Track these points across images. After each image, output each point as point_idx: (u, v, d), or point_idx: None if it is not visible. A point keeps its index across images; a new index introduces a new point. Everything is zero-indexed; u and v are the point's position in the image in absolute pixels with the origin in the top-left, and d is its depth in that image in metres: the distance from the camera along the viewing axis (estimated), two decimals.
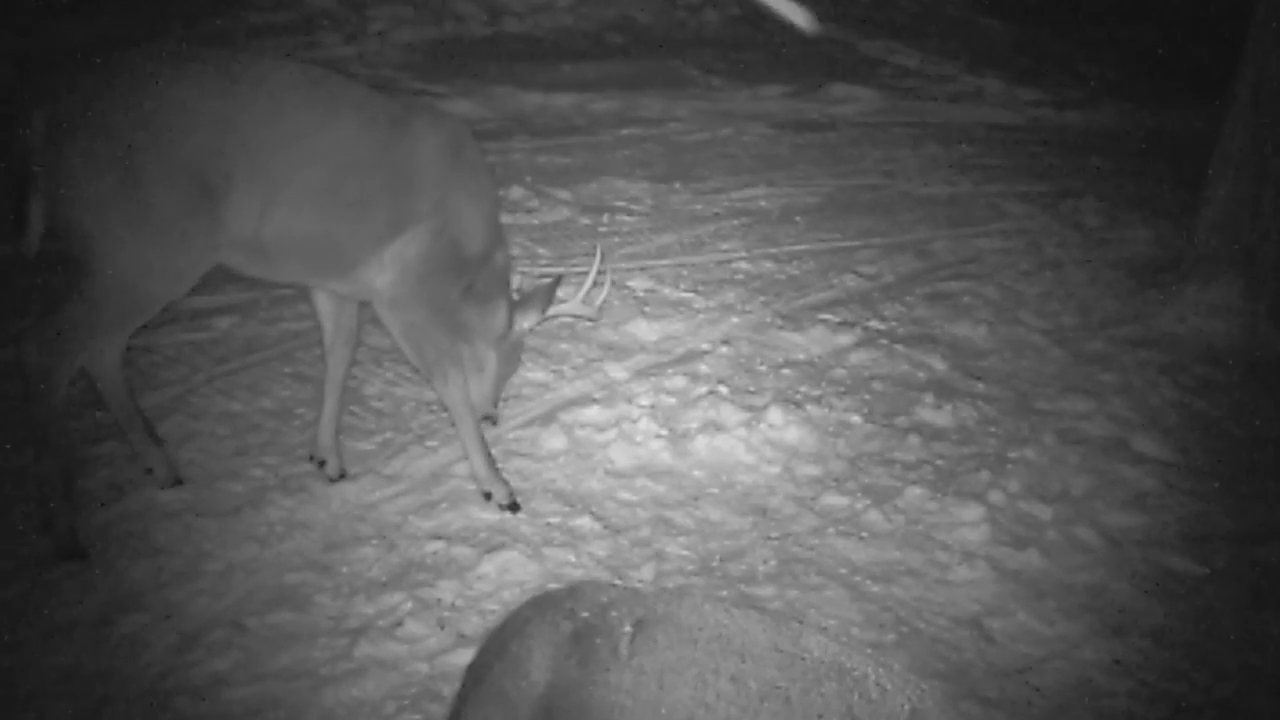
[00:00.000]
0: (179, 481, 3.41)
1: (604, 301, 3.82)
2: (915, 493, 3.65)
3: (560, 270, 3.87)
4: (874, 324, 4.84)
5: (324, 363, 3.56)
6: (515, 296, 3.65)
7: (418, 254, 3.26)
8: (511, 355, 3.70)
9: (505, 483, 3.47)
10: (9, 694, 2.66)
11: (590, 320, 4.01)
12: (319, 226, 3.11)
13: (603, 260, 3.71)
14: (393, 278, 3.25)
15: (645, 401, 4.08)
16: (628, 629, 1.80)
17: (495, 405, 3.71)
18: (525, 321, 3.63)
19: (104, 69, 2.92)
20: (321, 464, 3.54)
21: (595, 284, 3.71)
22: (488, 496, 3.46)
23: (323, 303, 3.50)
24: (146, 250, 2.90)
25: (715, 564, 3.28)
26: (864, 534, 3.45)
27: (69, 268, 2.97)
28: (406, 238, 3.23)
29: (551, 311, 3.68)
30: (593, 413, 3.99)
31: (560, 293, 3.69)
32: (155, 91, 2.87)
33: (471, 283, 3.45)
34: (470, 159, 3.38)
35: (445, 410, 3.60)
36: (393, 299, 3.28)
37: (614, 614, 1.83)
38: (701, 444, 3.83)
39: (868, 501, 3.60)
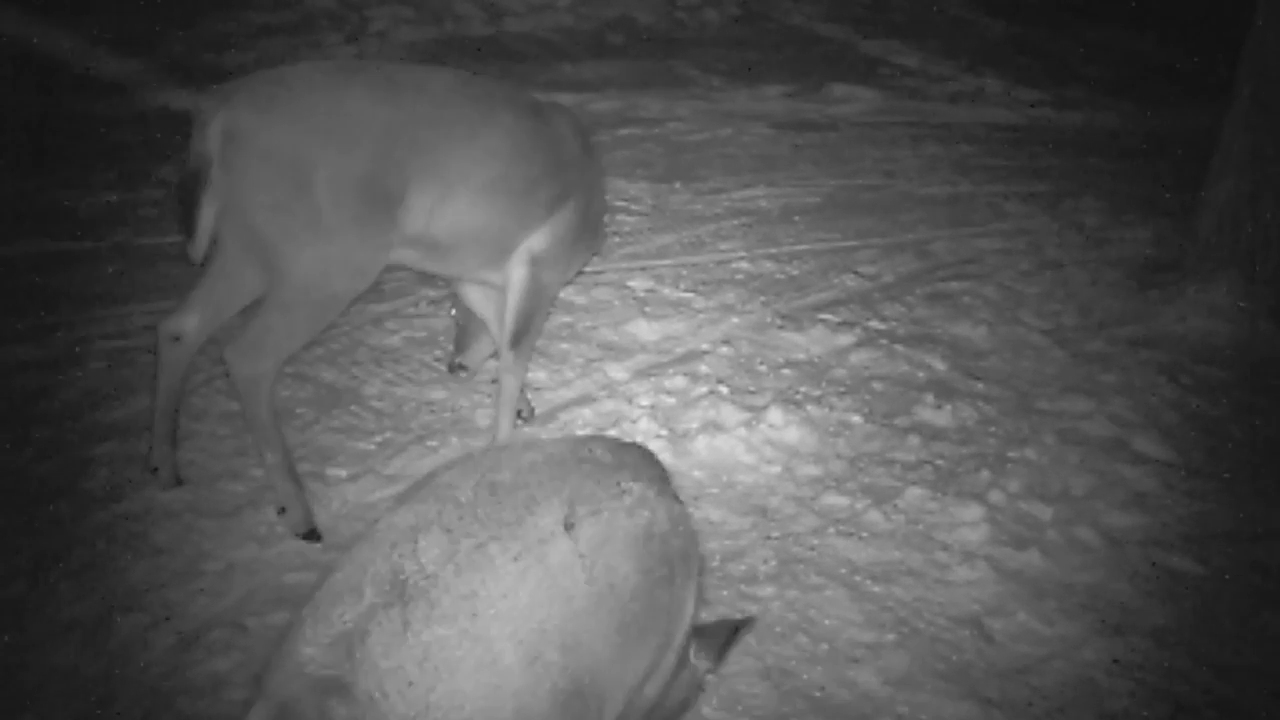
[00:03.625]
0: (179, 482, 3.42)
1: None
2: (915, 493, 3.65)
3: None
4: (874, 324, 4.84)
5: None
6: None
7: (570, 224, 3.49)
8: None
9: None
10: (9, 694, 2.66)
11: None
12: (492, 217, 3.31)
13: None
14: (548, 242, 3.46)
15: (645, 401, 4.08)
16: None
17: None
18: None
19: (277, 81, 3.03)
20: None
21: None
22: None
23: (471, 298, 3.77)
24: (326, 251, 3.01)
25: (715, 564, 3.28)
26: (864, 534, 3.45)
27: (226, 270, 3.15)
28: (559, 214, 3.45)
29: None
30: (593, 413, 3.99)
31: None
32: (325, 102, 2.98)
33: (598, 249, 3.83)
34: (589, 140, 3.64)
35: (495, 382, 3.81)
36: (540, 255, 3.46)
37: None
38: (701, 444, 3.84)
39: (868, 501, 3.60)
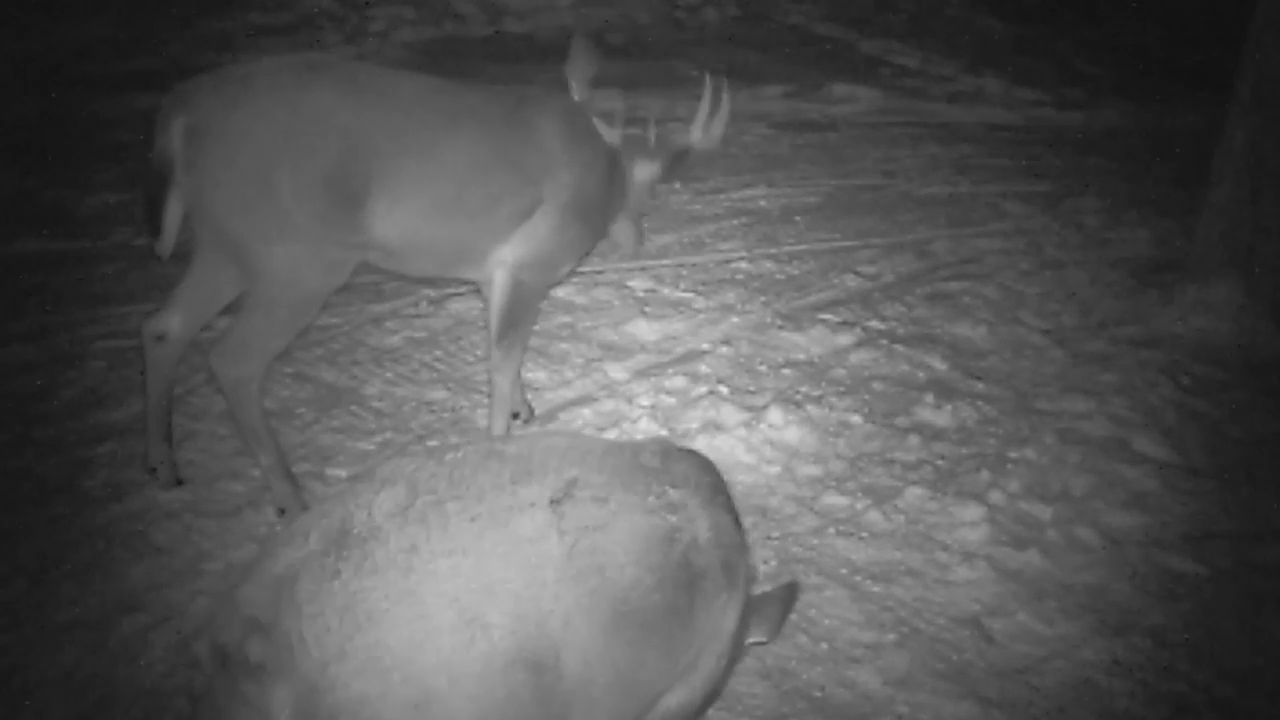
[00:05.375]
0: (179, 482, 3.42)
1: (724, 132, 3.83)
2: (915, 493, 3.65)
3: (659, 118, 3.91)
4: (874, 324, 4.85)
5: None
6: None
7: (548, 231, 3.40)
8: (644, 200, 3.82)
9: None
10: (9, 694, 2.66)
11: (711, 147, 3.89)
12: (444, 231, 3.24)
13: (718, 87, 3.74)
14: (522, 251, 3.39)
15: (645, 401, 4.08)
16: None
17: (640, 239, 3.90)
18: (646, 173, 3.72)
19: (240, 79, 3.00)
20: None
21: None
22: None
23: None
24: (294, 249, 2.99)
25: None
26: (864, 534, 3.46)
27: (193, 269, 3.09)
28: (534, 219, 3.37)
29: (682, 149, 3.76)
30: (593, 413, 3.99)
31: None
32: (287, 101, 2.95)
33: (605, 233, 3.68)
34: (582, 131, 3.48)
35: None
36: (517, 261, 3.41)
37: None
38: (701, 444, 3.83)
39: (868, 501, 3.60)
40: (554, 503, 1.87)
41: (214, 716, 1.70)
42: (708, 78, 3.76)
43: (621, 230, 3.83)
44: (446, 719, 1.70)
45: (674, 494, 2.03)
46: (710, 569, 2.05)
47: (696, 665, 2.11)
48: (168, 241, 3.04)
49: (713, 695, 2.23)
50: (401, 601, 1.70)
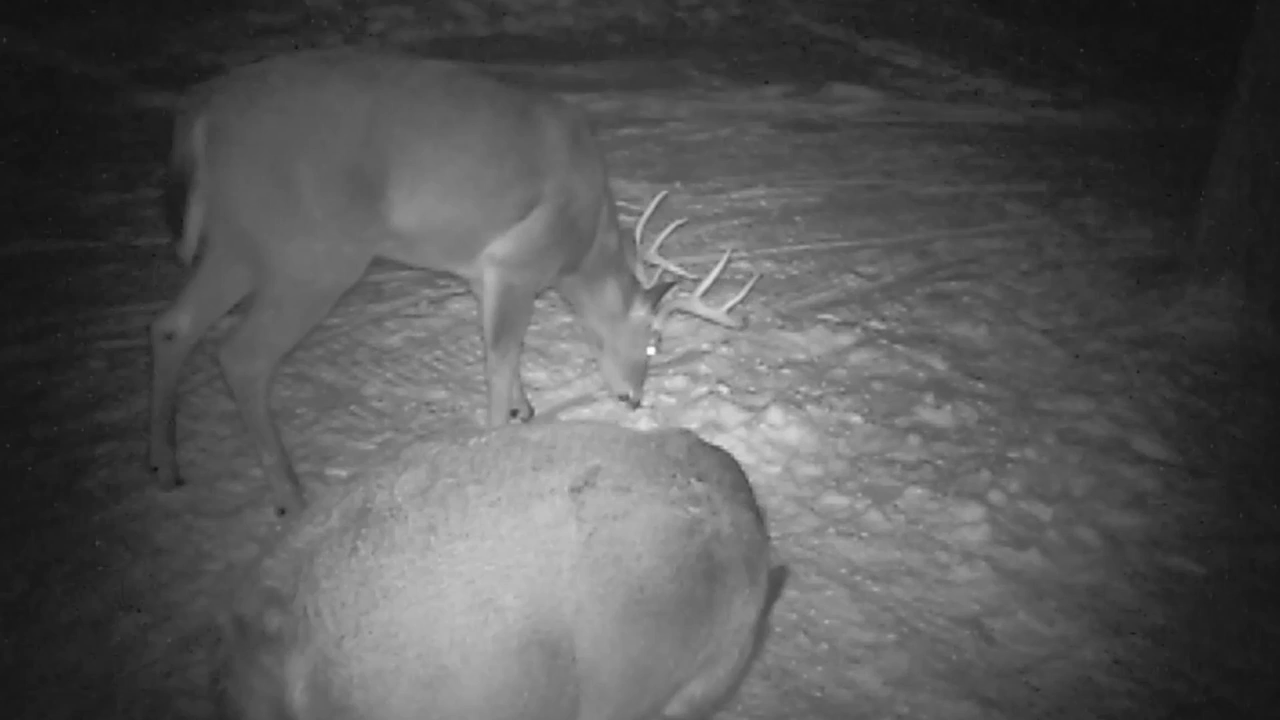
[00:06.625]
0: (179, 481, 3.41)
1: (738, 308, 4.01)
2: (915, 493, 3.65)
3: (686, 272, 4.07)
4: (874, 324, 4.84)
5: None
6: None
7: (542, 229, 3.45)
8: (633, 340, 3.90)
9: None
10: (9, 694, 2.66)
11: (729, 327, 4.18)
12: (459, 213, 3.27)
13: (729, 262, 3.87)
14: (513, 248, 3.44)
15: (645, 401, 4.08)
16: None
17: (629, 387, 3.92)
18: (641, 309, 3.86)
19: (257, 76, 3.02)
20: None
21: (722, 287, 3.99)
22: None
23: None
24: (312, 246, 3.01)
25: None
26: (864, 534, 3.46)
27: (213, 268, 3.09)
28: (532, 217, 3.42)
29: (677, 306, 3.93)
30: (592, 413, 3.99)
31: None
32: (305, 95, 2.97)
33: (580, 261, 3.68)
34: (586, 143, 3.56)
35: (484, 386, 3.76)
36: (505, 258, 3.45)
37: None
38: None
39: (868, 501, 3.61)
40: (574, 490, 1.89)
41: (233, 686, 1.73)
42: (727, 255, 4.02)
43: (614, 367, 3.90)
44: (458, 697, 1.71)
45: (698, 487, 2.05)
46: (732, 563, 2.06)
47: (719, 658, 2.12)
48: (190, 243, 3.04)
49: (734, 689, 2.24)
50: (417, 580, 1.72)
